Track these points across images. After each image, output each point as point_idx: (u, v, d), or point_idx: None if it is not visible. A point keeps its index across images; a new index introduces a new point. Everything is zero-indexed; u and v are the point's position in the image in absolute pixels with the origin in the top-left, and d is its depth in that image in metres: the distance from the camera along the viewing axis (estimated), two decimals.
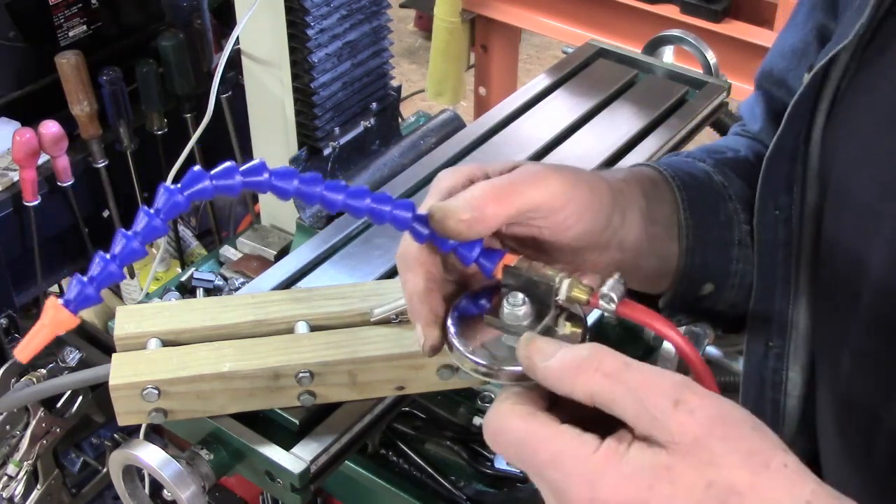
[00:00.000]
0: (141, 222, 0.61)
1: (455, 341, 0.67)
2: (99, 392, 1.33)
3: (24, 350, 0.61)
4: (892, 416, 0.71)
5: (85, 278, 0.61)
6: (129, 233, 0.61)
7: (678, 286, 0.83)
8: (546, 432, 0.55)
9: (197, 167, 0.62)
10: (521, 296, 0.65)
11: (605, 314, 0.63)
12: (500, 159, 0.75)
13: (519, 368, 0.60)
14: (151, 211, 0.61)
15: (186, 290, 1.41)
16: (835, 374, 0.78)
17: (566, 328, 0.65)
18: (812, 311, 0.81)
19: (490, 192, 0.68)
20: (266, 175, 0.63)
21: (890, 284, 0.68)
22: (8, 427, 1.30)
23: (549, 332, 0.64)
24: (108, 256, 0.61)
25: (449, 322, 0.68)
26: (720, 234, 0.85)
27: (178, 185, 0.61)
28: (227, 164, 0.62)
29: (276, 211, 1.53)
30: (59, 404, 1.33)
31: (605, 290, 0.62)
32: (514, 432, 0.56)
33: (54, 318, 0.60)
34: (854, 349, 0.73)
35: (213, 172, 0.62)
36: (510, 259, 0.67)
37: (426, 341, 0.70)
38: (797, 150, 0.77)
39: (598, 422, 0.55)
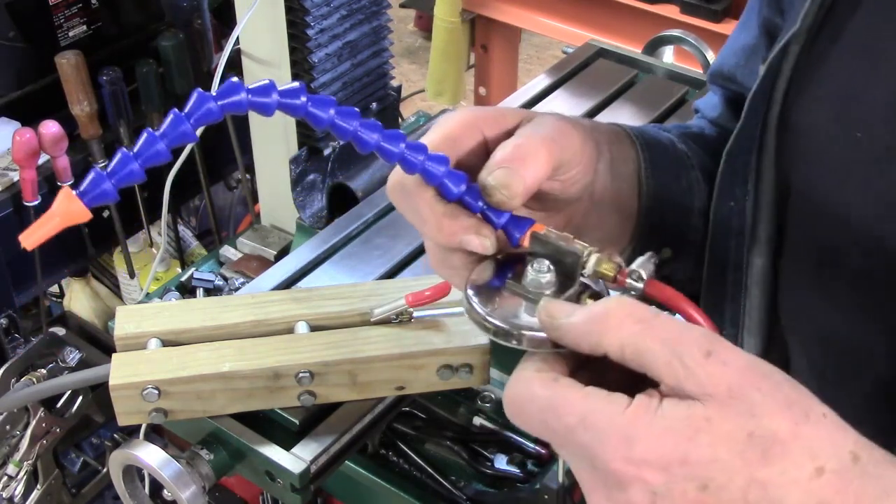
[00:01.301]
0: (169, 124, 0.56)
1: (475, 304, 0.63)
2: (99, 392, 1.33)
3: (31, 237, 0.55)
4: (881, 359, 0.70)
5: (104, 171, 0.55)
6: (156, 133, 0.56)
7: (637, 245, 0.82)
8: (572, 395, 0.52)
9: (235, 79, 0.58)
10: (546, 263, 0.62)
11: (632, 293, 0.60)
12: None
13: (541, 334, 0.58)
14: (182, 114, 0.56)
15: (186, 290, 1.41)
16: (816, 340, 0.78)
17: (588, 305, 0.62)
18: (768, 293, 0.80)
19: (530, 152, 0.64)
20: (303, 99, 0.59)
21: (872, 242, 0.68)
22: (8, 427, 1.30)
23: None
24: (130, 153, 0.55)
25: (468, 288, 0.65)
26: (680, 199, 0.84)
27: (213, 93, 0.57)
28: (265, 80, 0.58)
29: (276, 211, 1.53)
30: (59, 404, 1.33)
31: (634, 266, 0.60)
32: (539, 399, 0.53)
33: (66, 209, 0.54)
34: (841, 305, 0.73)
35: (250, 87, 0.58)
36: (539, 228, 0.64)
37: (485, 241, 0.64)
38: (753, 143, 0.78)
39: (620, 389, 0.52)
